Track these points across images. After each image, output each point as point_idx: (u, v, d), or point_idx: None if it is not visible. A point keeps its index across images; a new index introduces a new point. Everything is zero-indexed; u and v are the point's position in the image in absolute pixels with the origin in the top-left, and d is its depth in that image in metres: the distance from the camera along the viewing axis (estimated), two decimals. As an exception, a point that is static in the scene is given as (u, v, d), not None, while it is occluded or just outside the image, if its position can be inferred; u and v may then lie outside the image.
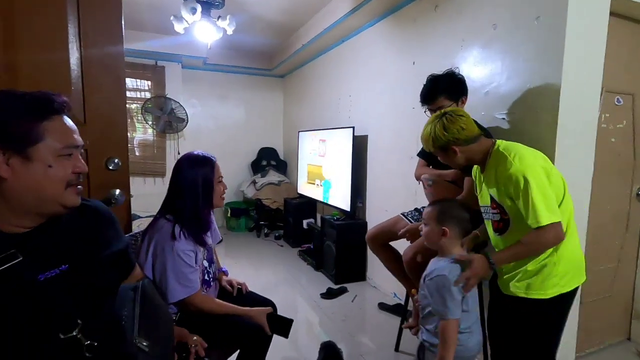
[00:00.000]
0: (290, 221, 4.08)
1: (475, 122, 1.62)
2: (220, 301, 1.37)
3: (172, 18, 2.47)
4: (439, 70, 1.66)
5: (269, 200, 4.43)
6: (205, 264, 1.43)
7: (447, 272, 1.19)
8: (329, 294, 2.75)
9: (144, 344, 0.75)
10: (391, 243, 1.93)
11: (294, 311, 2.58)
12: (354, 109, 3.25)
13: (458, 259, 1.22)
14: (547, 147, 1.50)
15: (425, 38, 2.32)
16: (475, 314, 1.27)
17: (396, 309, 2.44)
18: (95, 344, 0.73)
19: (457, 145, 1.24)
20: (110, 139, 1.43)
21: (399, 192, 2.61)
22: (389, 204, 2.72)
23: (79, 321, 0.74)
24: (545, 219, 1.09)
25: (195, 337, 1.18)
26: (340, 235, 2.96)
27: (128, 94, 4.25)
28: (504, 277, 1.26)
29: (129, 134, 4.26)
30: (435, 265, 1.27)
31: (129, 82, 4.23)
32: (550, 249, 1.18)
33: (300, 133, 4.03)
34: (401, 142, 2.56)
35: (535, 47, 1.59)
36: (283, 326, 1.40)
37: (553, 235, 1.12)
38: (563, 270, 1.19)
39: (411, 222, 1.83)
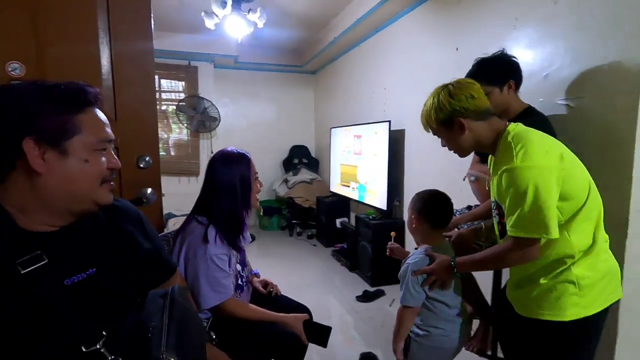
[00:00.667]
0: (322, 220, 3.98)
1: (533, 109, 1.44)
2: (255, 307, 1.29)
3: (202, 14, 2.44)
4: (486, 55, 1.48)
5: (301, 198, 4.35)
6: (239, 267, 1.36)
7: (412, 262, 1.21)
8: (365, 297, 2.62)
9: (173, 357, 0.67)
10: None
11: (328, 314, 2.48)
12: (390, 103, 3.08)
13: (428, 253, 1.20)
14: (624, 138, 1.29)
15: (470, 20, 2.12)
16: (457, 310, 1.23)
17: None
18: (120, 359, 0.67)
19: (464, 118, 1.03)
20: (141, 136, 1.39)
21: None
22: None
23: (103, 333, 0.67)
24: (525, 231, 0.91)
25: None
26: (376, 235, 2.82)
27: (163, 95, 4.33)
28: (513, 292, 1.07)
29: (165, 135, 4.36)
30: (412, 253, 1.28)
31: (164, 83, 4.32)
32: (569, 261, 0.96)
33: (332, 129, 3.92)
34: (443, 135, 2.38)
35: (607, 20, 1.37)
36: (321, 335, 1.30)
37: (521, 253, 0.94)
38: (586, 288, 0.96)
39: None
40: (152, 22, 1.38)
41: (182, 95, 4.29)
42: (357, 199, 3.33)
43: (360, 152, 3.25)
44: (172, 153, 4.39)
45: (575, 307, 0.96)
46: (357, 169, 3.33)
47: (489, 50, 1.51)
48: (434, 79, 2.45)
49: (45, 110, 0.64)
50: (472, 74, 1.48)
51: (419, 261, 1.20)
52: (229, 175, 1.25)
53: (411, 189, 2.81)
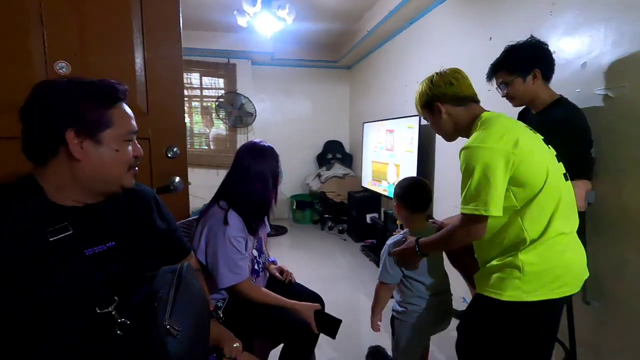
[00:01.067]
0: (353, 215, 3.98)
1: (564, 100, 1.34)
2: (268, 291, 1.35)
3: (235, 12, 2.55)
4: None
5: (333, 193, 4.38)
6: (255, 253, 1.42)
7: (390, 243, 1.35)
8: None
9: (175, 328, 0.74)
10: None
11: (354, 308, 2.49)
12: (422, 96, 3.00)
13: (405, 237, 1.33)
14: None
15: (504, 8, 2.01)
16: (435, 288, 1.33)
17: (465, 316, 2.19)
18: (128, 322, 0.74)
19: (442, 103, 1.15)
20: (170, 128, 1.49)
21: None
22: (459, 199, 2.45)
23: (115, 298, 0.75)
24: (469, 207, 0.98)
25: (235, 345, 1.04)
26: (404, 232, 2.76)
27: (205, 92, 4.56)
28: (476, 274, 1.14)
29: (207, 130, 4.61)
30: (394, 235, 1.42)
31: (206, 80, 4.54)
32: (521, 247, 1.01)
33: (365, 124, 3.89)
34: (474, 129, 2.28)
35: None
36: (330, 326, 1.32)
37: (467, 230, 1.02)
38: (530, 272, 1.00)
39: None
40: (181, 24, 1.47)
41: (222, 92, 4.50)
42: (387, 194, 3.30)
43: (392, 147, 3.21)
44: (212, 147, 4.63)
45: (516, 290, 1.00)
46: (388, 167, 3.29)
47: (524, 38, 1.43)
48: (466, 70, 2.34)
49: (85, 105, 0.74)
50: (496, 63, 1.43)
51: (397, 243, 1.33)
52: (262, 165, 1.34)
53: (442, 185, 2.72)
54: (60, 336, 0.70)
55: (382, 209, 3.71)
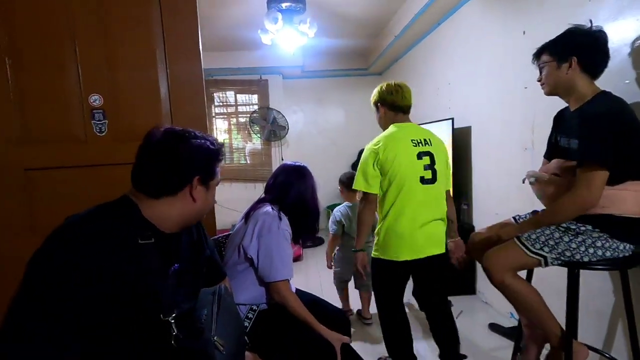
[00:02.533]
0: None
1: (606, 94, 1.19)
2: (303, 305, 1.30)
3: (259, 31, 2.62)
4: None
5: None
6: None
7: (337, 210, 2.46)
8: (429, 307, 2.47)
9: (221, 343, 0.81)
10: None
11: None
12: (454, 98, 2.87)
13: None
14: None
15: (538, -1, 1.87)
16: None
17: (512, 333, 2.01)
18: (181, 336, 0.80)
19: (382, 105, 1.72)
20: (195, 149, 1.55)
21: (512, 192, 2.16)
22: (501, 206, 2.29)
23: (175, 310, 0.82)
24: (356, 184, 1.60)
25: None
26: (442, 241, 2.63)
27: (240, 108, 4.73)
28: None
29: (243, 144, 4.76)
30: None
31: (240, 98, 4.71)
32: (381, 218, 1.61)
33: (397, 131, 3.79)
34: (512, 130, 2.12)
35: None
36: None
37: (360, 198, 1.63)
38: (381, 240, 1.59)
39: None
40: (201, 51, 1.53)
41: (256, 107, 4.63)
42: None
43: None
44: (249, 161, 4.77)
45: (375, 250, 1.63)
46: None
47: (560, 31, 1.30)
48: (500, 67, 2.22)
49: (209, 159, 0.88)
50: (544, 44, 1.32)
51: (340, 209, 2.41)
52: (310, 183, 1.46)
53: (481, 190, 2.56)
54: (122, 341, 0.76)
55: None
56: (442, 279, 1.70)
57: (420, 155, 1.56)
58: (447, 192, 1.69)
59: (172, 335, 0.78)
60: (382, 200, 1.58)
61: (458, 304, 2.50)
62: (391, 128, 1.62)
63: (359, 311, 2.46)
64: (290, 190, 1.40)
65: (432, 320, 1.71)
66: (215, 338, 0.80)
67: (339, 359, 1.23)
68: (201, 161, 0.86)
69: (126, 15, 1.44)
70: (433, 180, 1.56)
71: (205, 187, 0.88)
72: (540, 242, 1.22)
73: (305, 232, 1.47)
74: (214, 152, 0.90)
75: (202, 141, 0.88)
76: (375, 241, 1.62)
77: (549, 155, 1.53)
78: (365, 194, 1.57)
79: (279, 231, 1.29)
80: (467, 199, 2.69)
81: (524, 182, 1.42)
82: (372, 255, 1.63)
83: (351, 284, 2.47)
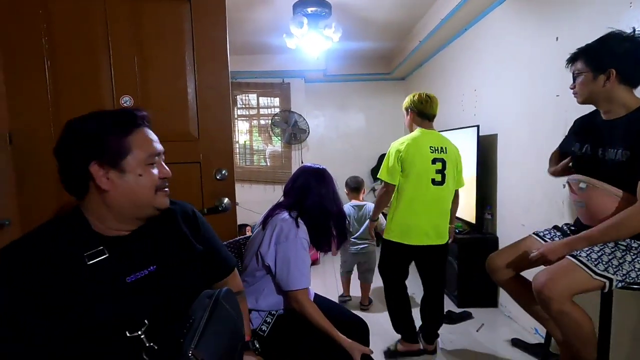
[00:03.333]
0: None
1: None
2: (321, 313, 1.27)
3: (284, 36, 2.64)
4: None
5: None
6: None
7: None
8: (449, 318, 2.40)
9: (199, 357, 0.71)
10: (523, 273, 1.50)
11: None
12: (480, 105, 2.80)
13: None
14: None
15: (573, 3, 1.80)
16: None
17: (536, 350, 1.94)
18: (156, 347, 0.73)
19: (412, 111, 1.98)
20: (219, 152, 1.57)
21: (540, 202, 2.09)
22: (526, 217, 2.21)
23: (145, 321, 0.75)
24: (380, 174, 1.93)
25: None
26: (464, 251, 2.56)
27: (262, 111, 4.79)
28: None
29: (264, 146, 4.81)
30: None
31: (262, 100, 4.77)
32: (394, 206, 1.93)
33: (419, 136, 3.74)
34: (542, 139, 2.05)
35: None
36: None
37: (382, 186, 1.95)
38: (393, 225, 1.90)
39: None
40: (228, 55, 1.55)
41: (277, 110, 4.68)
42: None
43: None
44: (269, 163, 4.81)
45: (387, 234, 1.93)
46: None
47: (595, 36, 1.24)
48: (531, 73, 2.15)
49: (106, 136, 0.75)
50: (581, 48, 1.24)
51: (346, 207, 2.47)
52: (331, 187, 1.43)
53: (506, 200, 2.48)
54: (89, 357, 0.71)
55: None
56: (441, 265, 1.98)
57: (434, 161, 1.84)
58: (456, 190, 2.00)
59: (145, 347, 0.73)
60: (397, 192, 1.90)
61: (479, 316, 2.43)
62: (417, 132, 1.92)
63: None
64: (309, 193, 1.37)
65: (425, 298, 2.01)
66: (191, 353, 0.70)
67: None
68: (87, 141, 0.74)
69: (158, 22, 1.48)
70: (442, 182, 1.87)
71: (118, 169, 0.75)
72: (604, 263, 1.11)
73: (328, 237, 1.42)
74: (106, 125, 0.75)
75: (88, 119, 0.76)
76: (386, 226, 1.94)
77: (561, 147, 1.50)
78: (386, 183, 1.90)
79: (297, 239, 1.26)
80: (492, 209, 2.61)
81: (564, 186, 1.36)
82: (384, 237, 1.94)
83: (354, 276, 2.76)
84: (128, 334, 0.72)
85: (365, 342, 1.37)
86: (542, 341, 1.98)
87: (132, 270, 0.78)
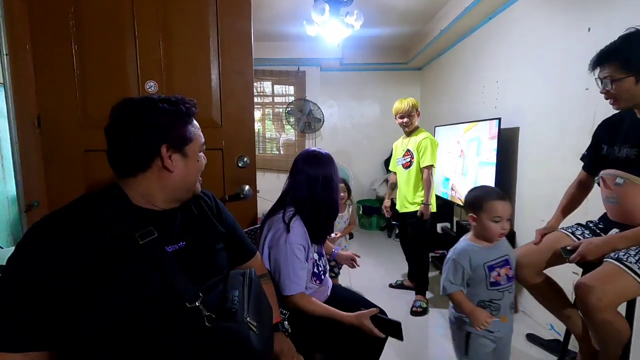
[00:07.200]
0: (423, 223, 3.79)
1: None
2: (320, 303, 1.29)
3: (304, 22, 2.60)
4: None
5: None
6: (315, 256, 1.40)
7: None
8: (462, 311, 2.41)
9: (254, 324, 0.78)
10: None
11: (420, 324, 2.36)
12: (502, 97, 2.74)
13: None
14: None
15: (608, -7, 1.73)
16: None
17: (551, 346, 1.93)
18: (213, 316, 0.76)
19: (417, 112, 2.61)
20: (241, 139, 1.57)
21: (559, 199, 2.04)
22: (547, 212, 2.16)
23: (200, 294, 0.78)
24: (431, 160, 2.47)
25: None
26: (480, 245, 2.54)
27: (276, 99, 4.77)
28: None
29: (277, 135, 4.81)
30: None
31: (277, 88, 4.74)
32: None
33: (436, 128, 3.68)
34: (567, 134, 2.00)
35: None
36: (393, 328, 1.24)
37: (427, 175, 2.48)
38: (434, 199, 2.52)
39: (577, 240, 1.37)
40: (252, 42, 1.54)
41: (292, 99, 4.65)
42: (461, 203, 3.07)
43: (464, 153, 2.98)
44: (282, 152, 4.81)
45: (433, 207, 2.52)
46: (461, 173, 3.06)
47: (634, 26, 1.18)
48: (559, 65, 2.09)
49: (175, 123, 0.81)
50: (609, 51, 1.16)
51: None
52: (327, 172, 1.32)
53: (526, 196, 2.44)
54: (153, 331, 0.72)
55: (455, 219, 3.47)
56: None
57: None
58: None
59: (205, 316, 0.75)
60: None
61: (493, 310, 2.42)
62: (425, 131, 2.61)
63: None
64: (300, 182, 1.32)
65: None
66: (248, 319, 0.77)
67: (375, 331, 1.22)
68: (163, 127, 0.79)
69: (183, 8, 1.47)
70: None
71: (181, 153, 0.82)
72: None
73: (321, 231, 1.36)
74: (177, 113, 0.81)
75: (162, 105, 0.80)
76: (426, 202, 2.44)
77: (590, 168, 1.42)
78: (432, 166, 2.43)
79: (286, 245, 1.23)
80: (510, 203, 2.57)
81: (597, 182, 1.32)
82: (431, 211, 2.46)
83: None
84: (188, 305, 0.75)
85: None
86: (557, 337, 1.97)
87: (168, 243, 0.82)
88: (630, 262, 1.08)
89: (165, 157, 0.79)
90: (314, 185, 1.30)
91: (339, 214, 2.27)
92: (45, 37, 1.38)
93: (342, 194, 2.31)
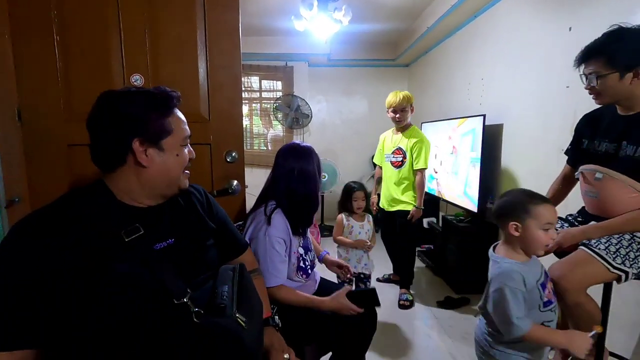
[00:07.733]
0: (409, 218, 3.84)
1: None
2: (299, 292, 1.31)
3: (292, 17, 2.59)
4: None
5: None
6: (301, 251, 1.41)
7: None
8: (448, 304, 2.46)
9: (243, 319, 0.77)
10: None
11: (407, 314, 2.41)
12: (487, 94, 2.79)
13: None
14: None
15: (589, -7, 1.78)
16: None
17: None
18: (202, 312, 0.76)
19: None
20: (229, 133, 1.56)
21: (544, 193, 2.10)
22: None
23: (188, 290, 0.77)
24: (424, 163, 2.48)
25: (285, 356, 1.00)
26: (464, 239, 2.61)
27: (263, 94, 4.73)
28: None
29: (265, 131, 4.78)
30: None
31: (265, 83, 4.71)
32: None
33: (423, 124, 3.73)
34: (549, 130, 2.06)
35: None
36: (369, 298, 1.28)
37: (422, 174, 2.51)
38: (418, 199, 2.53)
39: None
40: (240, 35, 1.52)
41: (280, 94, 4.63)
42: (446, 198, 3.13)
43: (453, 150, 3.03)
44: (270, 148, 4.79)
45: (419, 204, 2.53)
46: (448, 170, 3.11)
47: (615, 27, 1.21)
48: (541, 63, 2.14)
49: (148, 115, 0.78)
50: (595, 47, 1.17)
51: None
52: (307, 165, 1.34)
53: (508, 189, 2.50)
54: (141, 328, 0.72)
55: (441, 214, 3.53)
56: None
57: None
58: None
59: (193, 312, 0.74)
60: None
61: (476, 303, 2.48)
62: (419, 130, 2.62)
63: None
64: (279, 176, 1.34)
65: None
66: (237, 315, 0.76)
67: (355, 307, 1.25)
68: (136, 119, 0.76)
69: (170, -1, 1.44)
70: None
71: (157, 147, 0.78)
72: (621, 256, 1.12)
73: (301, 223, 1.37)
74: (152, 105, 0.78)
75: (138, 97, 0.77)
76: (410, 200, 2.51)
77: (573, 162, 1.47)
78: (425, 169, 2.44)
79: (265, 237, 1.24)
80: (494, 199, 2.64)
81: (577, 177, 1.37)
82: (420, 207, 2.51)
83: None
84: (175, 301, 0.74)
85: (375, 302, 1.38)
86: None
87: (156, 241, 0.80)
88: (600, 249, 1.15)
89: (138, 152, 0.76)
90: (291, 177, 1.31)
91: (359, 224, 2.29)
92: (25, 28, 1.33)
93: (358, 202, 2.27)
